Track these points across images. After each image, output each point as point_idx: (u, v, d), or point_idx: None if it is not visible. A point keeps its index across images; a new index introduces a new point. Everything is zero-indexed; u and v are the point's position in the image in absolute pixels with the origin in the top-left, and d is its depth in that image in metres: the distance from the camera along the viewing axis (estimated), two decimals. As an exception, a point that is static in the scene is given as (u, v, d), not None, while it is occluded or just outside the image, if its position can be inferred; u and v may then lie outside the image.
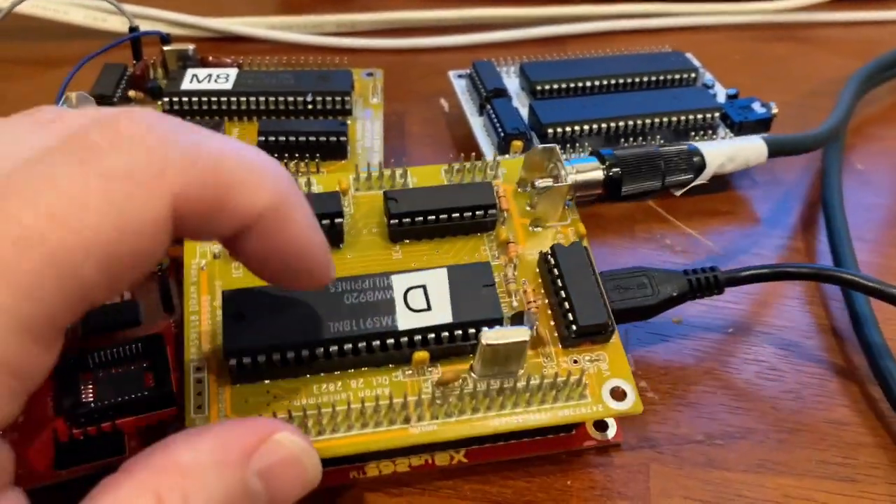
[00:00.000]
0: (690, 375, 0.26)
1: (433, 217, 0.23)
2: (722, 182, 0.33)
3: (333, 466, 0.21)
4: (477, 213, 0.23)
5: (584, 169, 0.24)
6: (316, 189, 0.24)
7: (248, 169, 0.16)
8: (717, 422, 0.24)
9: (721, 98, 0.34)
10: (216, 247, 0.22)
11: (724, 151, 0.27)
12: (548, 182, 0.23)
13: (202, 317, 0.21)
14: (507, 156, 0.31)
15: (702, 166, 0.26)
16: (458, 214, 0.23)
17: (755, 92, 0.35)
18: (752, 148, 0.28)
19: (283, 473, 0.17)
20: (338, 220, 0.22)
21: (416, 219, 0.23)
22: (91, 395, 0.21)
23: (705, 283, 0.25)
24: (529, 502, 0.22)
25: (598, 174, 0.25)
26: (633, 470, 0.23)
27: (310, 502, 0.18)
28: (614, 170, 0.25)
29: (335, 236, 0.22)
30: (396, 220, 0.23)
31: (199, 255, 0.22)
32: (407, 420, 0.20)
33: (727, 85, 0.36)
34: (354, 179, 0.24)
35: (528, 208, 0.24)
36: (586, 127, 0.31)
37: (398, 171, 0.24)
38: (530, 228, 0.24)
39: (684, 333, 0.27)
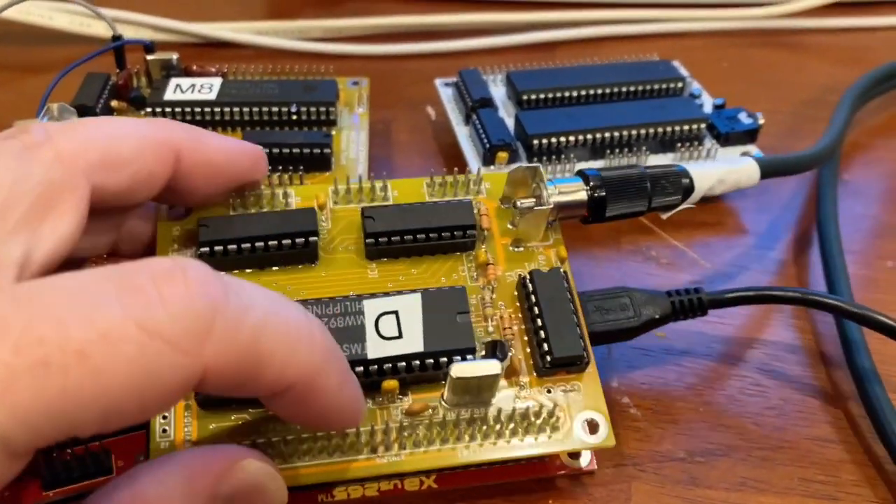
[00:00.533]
0: (673, 391, 0.26)
1: (411, 237, 0.22)
2: (708, 193, 0.33)
3: (301, 491, 0.21)
4: (456, 233, 0.23)
5: (568, 190, 0.24)
6: (294, 201, 0.23)
7: (285, 340, 0.15)
8: (700, 439, 0.24)
9: (708, 108, 0.34)
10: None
11: (713, 174, 0.26)
12: (530, 202, 0.23)
13: None
14: (491, 168, 0.31)
15: (690, 188, 0.26)
16: (436, 234, 0.23)
17: (744, 100, 0.35)
18: (744, 170, 0.27)
19: (250, 500, 0.17)
20: (312, 239, 0.22)
21: (394, 238, 0.22)
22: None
23: (689, 305, 0.25)
24: (510, 522, 0.22)
25: (582, 195, 0.24)
26: (614, 489, 0.23)
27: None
28: (599, 192, 0.24)
29: (309, 254, 0.22)
30: (373, 239, 0.22)
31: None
32: (374, 449, 0.19)
33: (716, 92, 0.36)
34: (333, 192, 0.24)
35: (509, 226, 0.24)
36: (572, 138, 0.31)
37: (378, 185, 0.24)
38: (511, 248, 0.23)
39: (668, 348, 0.27)
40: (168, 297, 0.14)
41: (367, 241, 0.22)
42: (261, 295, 0.15)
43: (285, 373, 0.15)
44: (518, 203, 0.23)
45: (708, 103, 0.35)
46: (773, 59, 0.43)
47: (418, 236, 0.22)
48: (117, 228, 0.22)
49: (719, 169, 0.27)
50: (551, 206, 0.23)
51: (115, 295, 0.13)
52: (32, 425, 0.13)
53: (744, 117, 0.33)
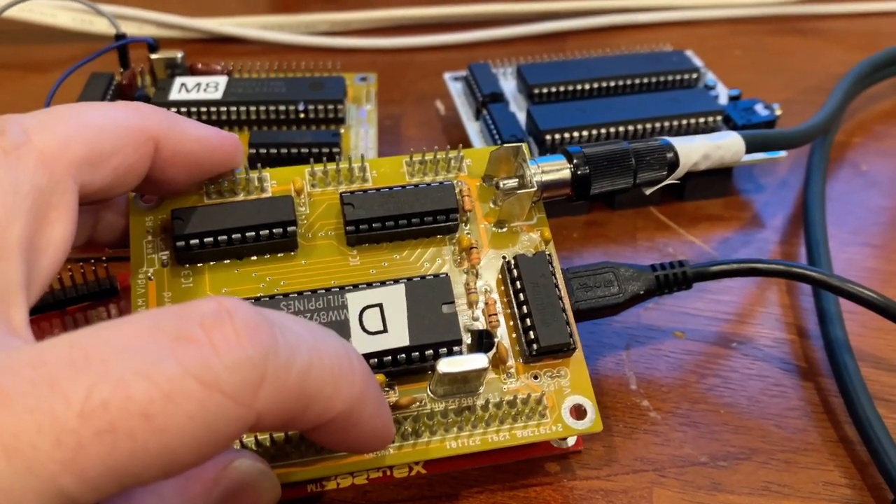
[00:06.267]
0: (693, 393, 0.25)
1: (392, 223, 0.22)
2: (726, 187, 0.32)
3: (290, 485, 0.21)
4: (438, 217, 0.22)
5: (551, 168, 0.23)
6: (269, 186, 0.23)
7: (330, 377, 0.15)
8: (721, 442, 0.24)
9: (723, 100, 0.34)
10: (164, 254, 0.21)
11: (698, 148, 0.25)
12: (513, 183, 0.22)
13: None
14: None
15: (675, 163, 0.25)
16: (418, 219, 0.22)
17: (757, 88, 0.34)
18: (729, 145, 0.26)
19: (244, 499, 0.17)
20: (290, 229, 0.21)
21: (375, 225, 0.22)
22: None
23: (673, 279, 0.24)
24: (529, 531, 0.22)
25: (566, 173, 0.23)
26: (635, 495, 0.22)
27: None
28: (583, 169, 0.23)
29: (288, 243, 0.22)
30: (353, 227, 0.22)
31: (147, 264, 0.21)
32: None
33: (729, 80, 0.35)
34: (310, 175, 0.23)
35: (492, 205, 0.23)
36: (585, 133, 0.31)
37: (356, 165, 0.23)
38: (494, 229, 0.23)
39: (687, 349, 0.26)
40: (220, 346, 0.13)
41: (348, 228, 0.22)
42: (302, 329, 0.15)
43: (330, 407, 0.15)
44: (501, 184, 0.22)
45: (723, 94, 0.34)
46: (787, 47, 0.42)
47: (400, 222, 0.22)
48: (94, 222, 0.21)
49: (704, 143, 0.26)
50: (534, 188, 0.22)
51: (168, 347, 0.13)
52: (101, 487, 0.12)
53: (760, 109, 0.32)
